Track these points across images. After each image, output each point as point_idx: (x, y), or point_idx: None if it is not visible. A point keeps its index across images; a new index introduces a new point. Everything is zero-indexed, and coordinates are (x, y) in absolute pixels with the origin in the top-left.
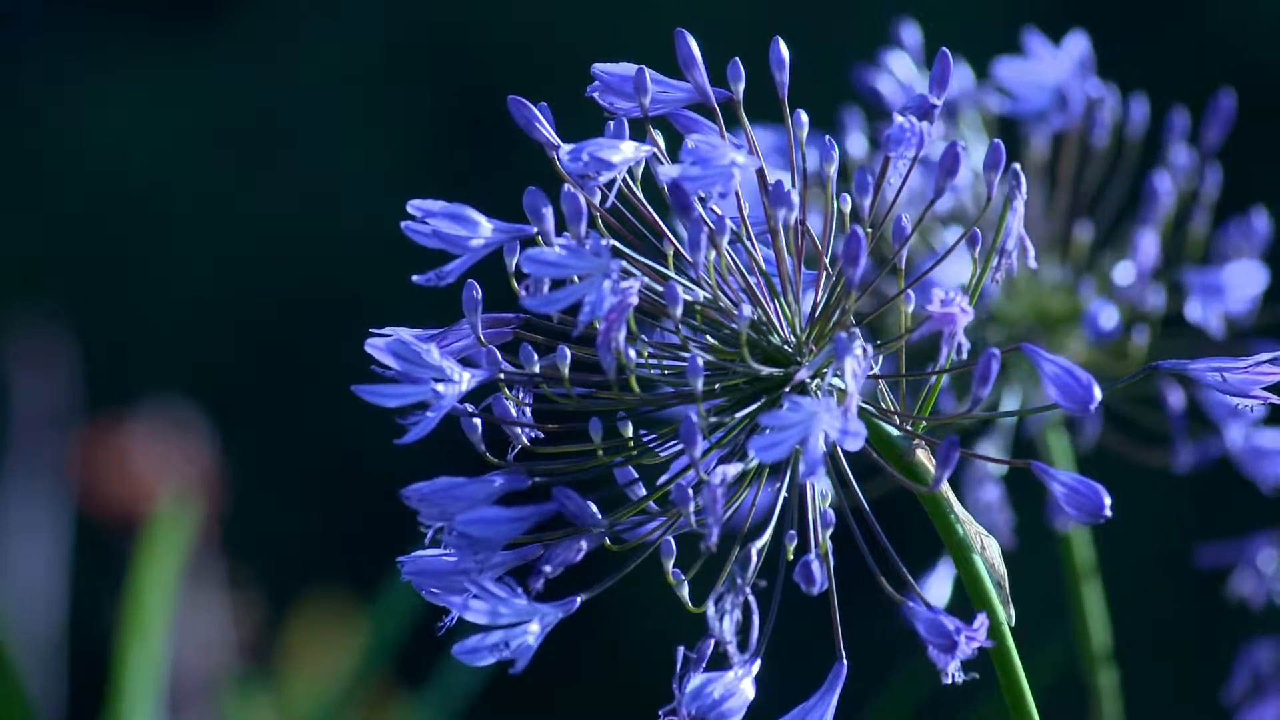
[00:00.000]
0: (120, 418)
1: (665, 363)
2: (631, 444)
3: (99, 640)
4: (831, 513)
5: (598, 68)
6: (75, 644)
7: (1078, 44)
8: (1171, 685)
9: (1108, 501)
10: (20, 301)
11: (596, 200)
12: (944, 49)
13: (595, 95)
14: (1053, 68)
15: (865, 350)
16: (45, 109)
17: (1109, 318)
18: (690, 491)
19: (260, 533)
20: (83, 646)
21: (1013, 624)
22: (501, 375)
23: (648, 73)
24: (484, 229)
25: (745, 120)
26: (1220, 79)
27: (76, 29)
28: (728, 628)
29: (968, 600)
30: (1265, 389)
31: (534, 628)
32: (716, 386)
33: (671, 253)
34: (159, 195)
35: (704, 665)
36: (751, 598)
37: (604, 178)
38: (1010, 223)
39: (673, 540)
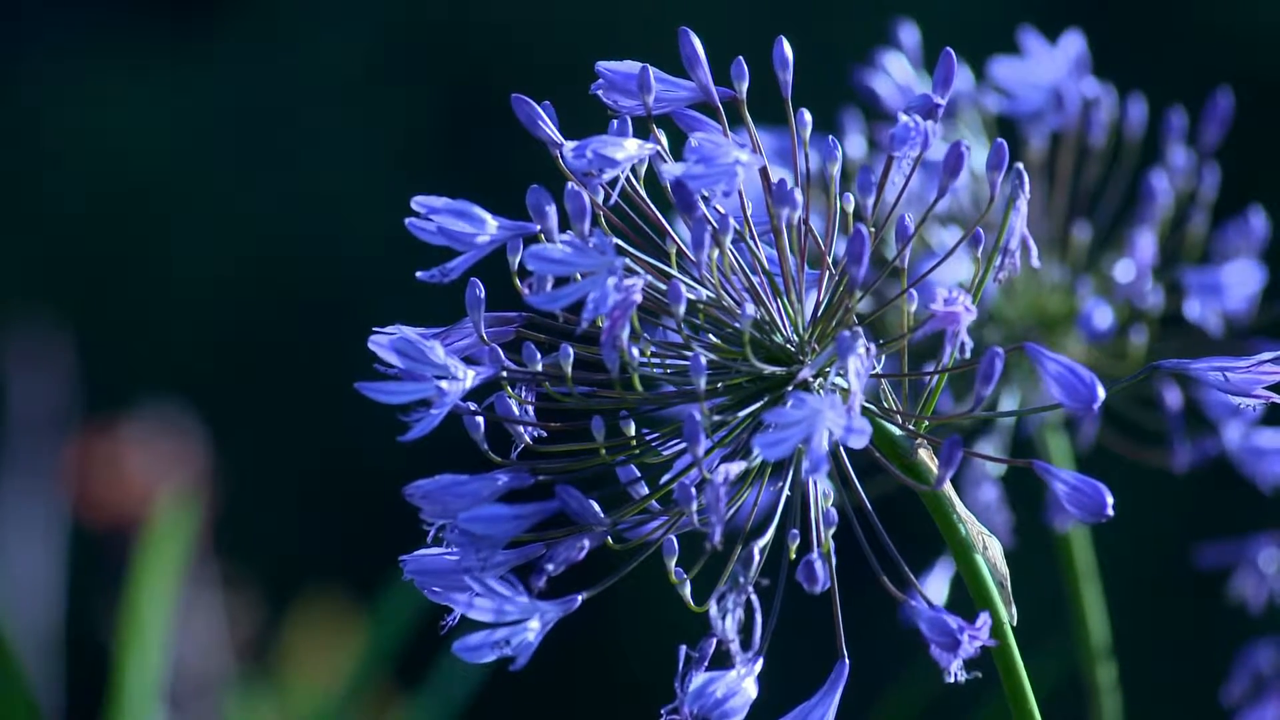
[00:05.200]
0: (117, 419)
1: (668, 361)
2: (634, 442)
3: (96, 641)
4: (834, 512)
5: (602, 65)
6: (71, 645)
7: (1073, 43)
8: (1171, 685)
9: (1110, 500)
10: (18, 302)
11: (600, 198)
12: (948, 49)
13: (599, 93)
14: (1049, 67)
15: (868, 349)
16: (45, 109)
17: (1103, 317)
18: (693, 490)
19: (260, 533)
20: (79, 647)
21: (1015, 623)
22: (504, 373)
23: (651, 71)
24: (489, 226)
25: (749, 119)
26: (1218, 79)
27: (76, 29)
28: (730, 627)
29: (968, 599)
30: (1266, 388)
31: (534, 625)
32: (719, 385)
33: (675, 251)
34: (159, 195)
35: (706, 664)
36: (754, 597)
37: (607, 175)
38: (1014, 222)
39: (675, 539)
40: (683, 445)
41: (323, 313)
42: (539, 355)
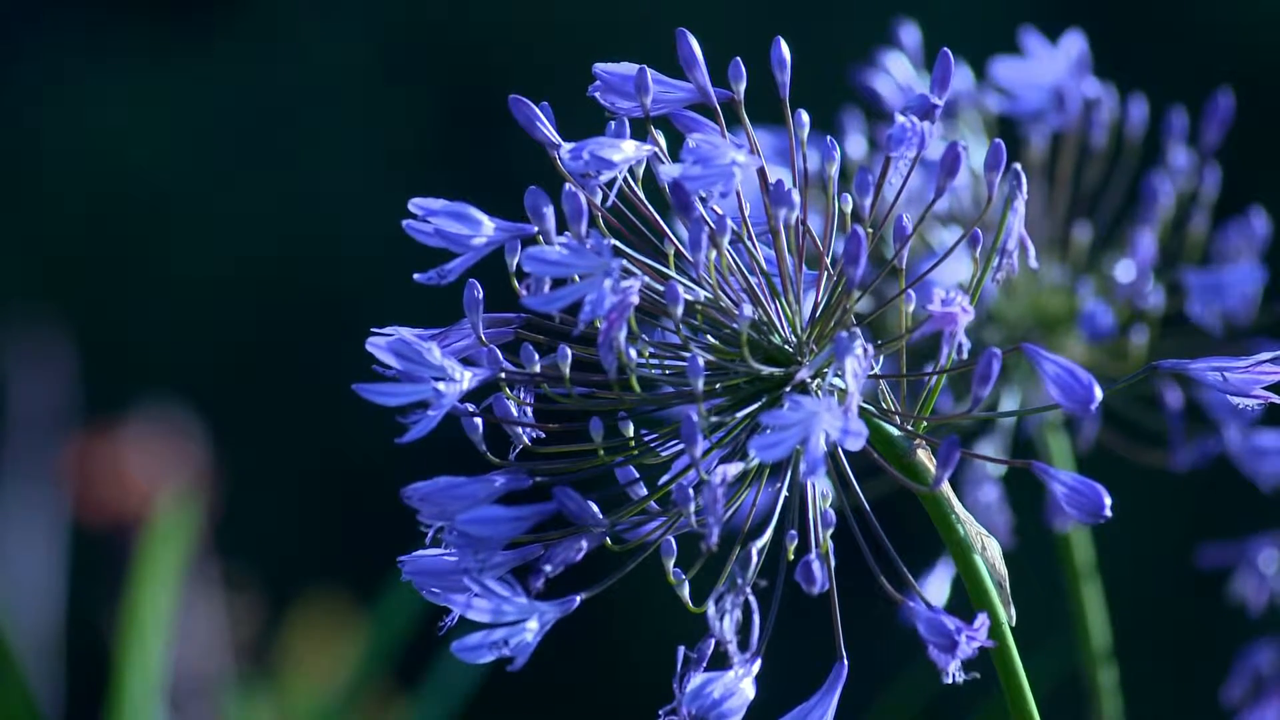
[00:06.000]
0: (117, 419)
1: (666, 362)
2: (632, 443)
3: (96, 642)
4: (832, 512)
5: (599, 67)
6: (72, 646)
7: (1074, 43)
8: (1171, 685)
9: (1108, 501)
10: (18, 302)
11: (597, 199)
12: (945, 49)
13: (596, 95)
14: (1050, 67)
15: (866, 350)
16: (45, 109)
17: (1104, 318)
18: (691, 491)
19: (260, 533)
20: (80, 648)
21: (1013, 624)
22: (502, 375)
23: (649, 72)
24: (486, 227)
25: (746, 120)
26: (1219, 79)
27: (76, 29)
28: (728, 627)
29: (968, 600)
30: (1266, 388)
31: (533, 626)
32: (717, 386)
33: (672, 252)
34: (159, 195)
35: (704, 665)
36: (752, 597)
37: (605, 177)
38: (1012, 223)
39: (673, 540)
40: (681, 446)
41: (323, 313)
42: (537, 356)
